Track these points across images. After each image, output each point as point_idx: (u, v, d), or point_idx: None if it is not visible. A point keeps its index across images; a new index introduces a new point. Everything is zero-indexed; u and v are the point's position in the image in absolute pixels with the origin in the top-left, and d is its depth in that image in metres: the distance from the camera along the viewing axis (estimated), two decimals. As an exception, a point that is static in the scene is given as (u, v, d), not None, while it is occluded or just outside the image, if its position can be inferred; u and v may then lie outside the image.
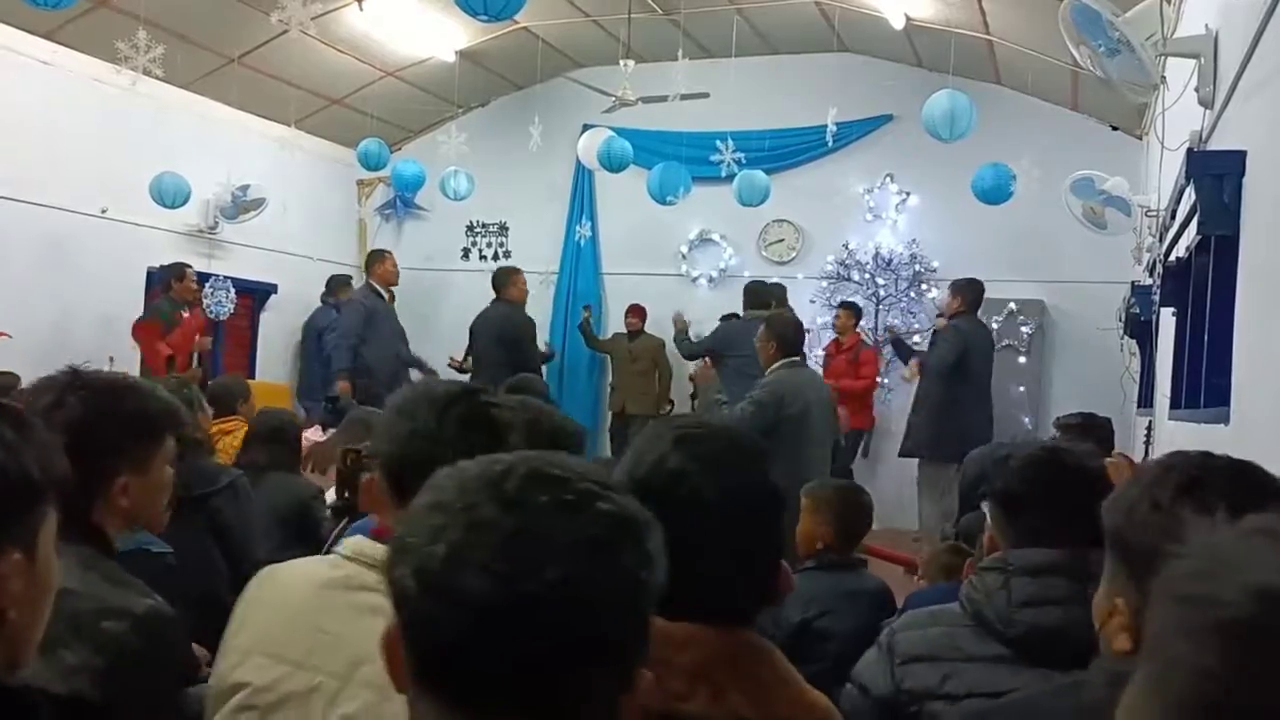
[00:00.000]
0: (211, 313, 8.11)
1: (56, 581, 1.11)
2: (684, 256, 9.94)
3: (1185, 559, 0.57)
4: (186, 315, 7.37)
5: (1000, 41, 7.86)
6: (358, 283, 8.85)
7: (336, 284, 9.17)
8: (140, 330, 7.28)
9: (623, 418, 9.25)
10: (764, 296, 7.15)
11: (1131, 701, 0.58)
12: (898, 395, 8.67)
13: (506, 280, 7.77)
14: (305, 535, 3.48)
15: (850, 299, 8.99)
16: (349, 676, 1.37)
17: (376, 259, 8.11)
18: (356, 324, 7.61)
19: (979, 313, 7.24)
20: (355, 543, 1.51)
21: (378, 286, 7.90)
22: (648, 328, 9.40)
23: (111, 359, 6.36)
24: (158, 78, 6.68)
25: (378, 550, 1.43)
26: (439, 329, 9.25)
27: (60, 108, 7.48)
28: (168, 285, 7.57)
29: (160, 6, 6.95)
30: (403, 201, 10.53)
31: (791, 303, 7.95)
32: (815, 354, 8.48)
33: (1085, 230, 6.92)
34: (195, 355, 7.51)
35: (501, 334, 7.50)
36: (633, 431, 8.94)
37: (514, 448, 1.60)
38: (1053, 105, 8.68)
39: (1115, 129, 8.52)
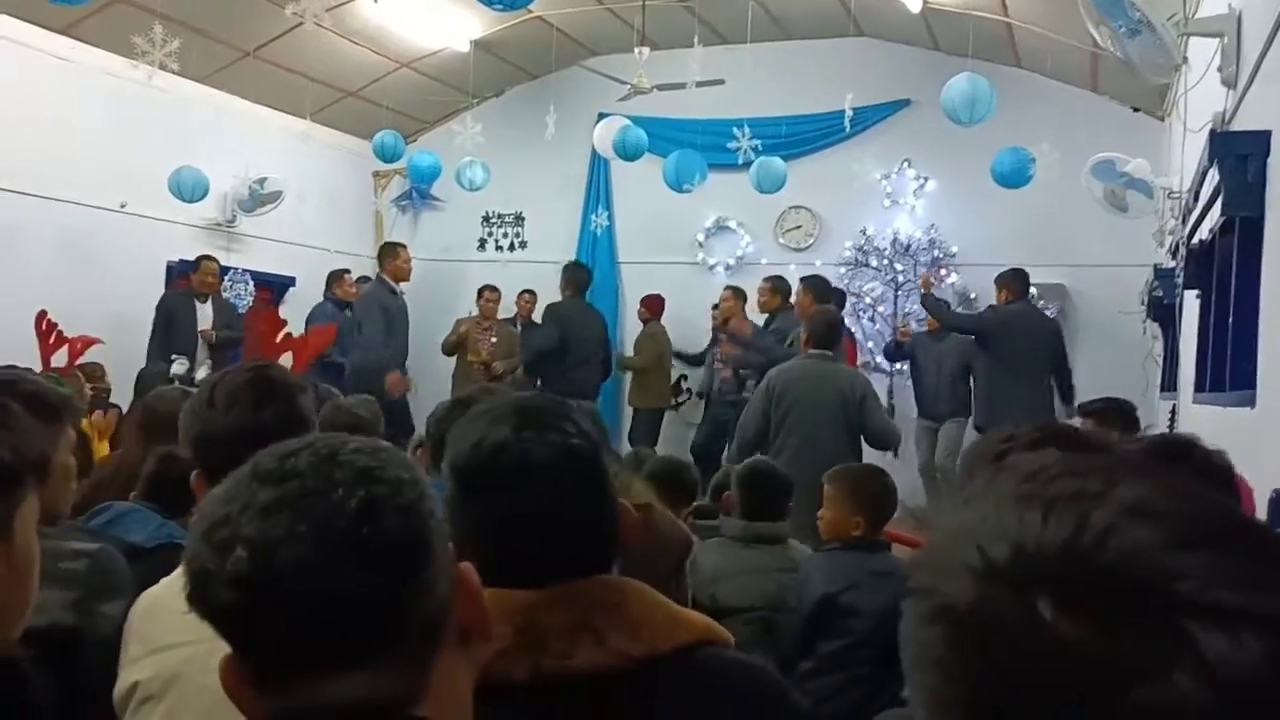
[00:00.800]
0: (231, 305, 8.14)
1: (37, 562, 1.13)
2: (701, 244, 9.89)
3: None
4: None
5: (1019, 24, 7.78)
6: (369, 273, 8.82)
7: (334, 279, 8.83)
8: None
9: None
10: (827, 291, 6.84)
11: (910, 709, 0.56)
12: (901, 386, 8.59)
13: (590, 279, 7.69)
14: None
15: (869, 285, 8.92)
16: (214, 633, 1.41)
17: (389, 253, 7.95)
18: (378, 324, 7.49)
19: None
20: None
21: (390, 282, 7.80)
22: (665, 318, 9.20)
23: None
24: (174, 72, 6.72)
25: None
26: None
27: (77, 103, 7.52)
28: (186, 276, 7.69)
29: (176, 1, 6.96)
30: (418, 193, 10.53)
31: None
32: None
33: (1106, 213, 6.85)
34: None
35: (603, 335, 7.43)
36: (632, 425, 8.93)
37: (306, 410, 1.71)
38: (1073, 87, 8.58)
39: (1136, 110, 8.43)
